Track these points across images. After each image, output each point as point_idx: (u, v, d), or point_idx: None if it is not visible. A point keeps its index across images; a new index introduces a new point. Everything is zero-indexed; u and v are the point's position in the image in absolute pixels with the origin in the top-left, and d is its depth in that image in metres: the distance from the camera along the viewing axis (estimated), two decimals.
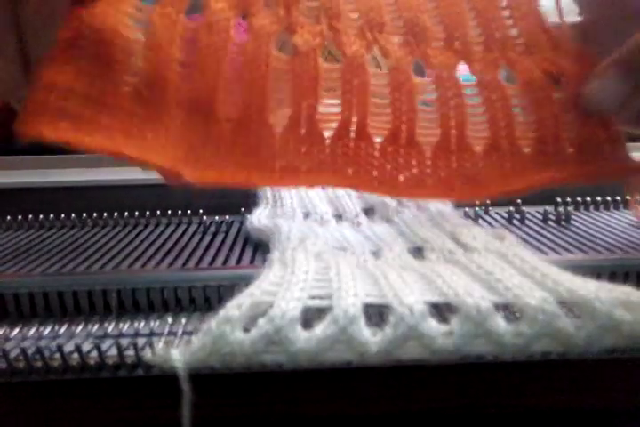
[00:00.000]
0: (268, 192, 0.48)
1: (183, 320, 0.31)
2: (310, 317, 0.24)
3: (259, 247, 0.38)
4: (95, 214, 0.46)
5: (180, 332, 0.30)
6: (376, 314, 0.25)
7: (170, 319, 0.31)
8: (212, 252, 0.39)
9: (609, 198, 0.49)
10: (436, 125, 0.33)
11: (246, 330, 0.24)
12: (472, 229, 0.31)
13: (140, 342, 0.28)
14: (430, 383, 0.29)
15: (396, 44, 0.34)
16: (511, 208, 0.47)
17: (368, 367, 0.25)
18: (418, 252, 0.32)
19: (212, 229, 0.45)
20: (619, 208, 0.48)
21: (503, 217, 0.47)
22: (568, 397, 0.30)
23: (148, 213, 0.47)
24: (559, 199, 0.49)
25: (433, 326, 0.24)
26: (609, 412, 0.31)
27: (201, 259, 0.37)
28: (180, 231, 0.44)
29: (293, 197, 0.47)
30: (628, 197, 0.46)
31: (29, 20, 0.34)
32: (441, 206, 0.42)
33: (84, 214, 0.46)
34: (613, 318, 0.24)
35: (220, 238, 0.42)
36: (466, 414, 0.30)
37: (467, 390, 0.29)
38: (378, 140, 0.33)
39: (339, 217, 0.44)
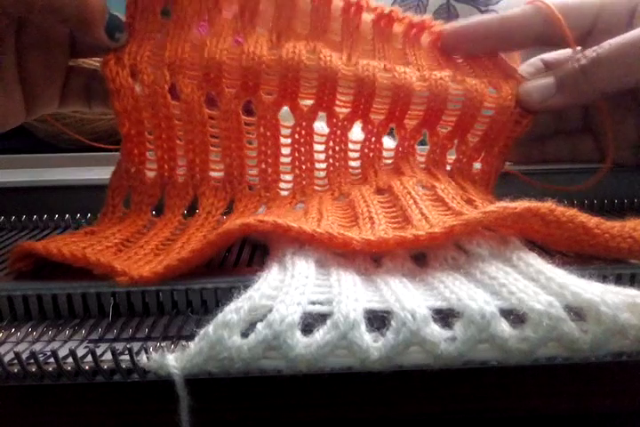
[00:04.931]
0: None
1: (179, 324, 0.31)
2: (310, 322, 0.24)
3: (257, 249, 0.37)
4: (89, 215, 0.45)
5: (176, 336, 0.29)
6: (378, 319, 0.25)
7: (166, 323, 0.31)
8: None
9: None
10: None
11: (244, 335, 0.24)
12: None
13: (136, 346, 0.28)
14: (432, 389, 0.29)
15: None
16: None
17: (369, 373, 0.24)
18: (420, 259, 0.31)
19: None
20: None
21: None
22: (573, 401, 0.29)
23: None
24: None
25: (435, 331, 0.24)
26: (615, 416, 0.30)
27: None
28: None
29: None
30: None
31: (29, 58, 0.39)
32: None
33: (78, 215, 0.45)
34: (619, 321, 0.23)
35: None
36: (469, 419, 0.30)
37: (470, 396, 0.29)
38: None
39: None
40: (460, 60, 0.45)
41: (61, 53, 0.41)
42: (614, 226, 0.30)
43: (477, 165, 0.45)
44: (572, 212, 0.30)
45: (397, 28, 0.44)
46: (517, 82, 0.44)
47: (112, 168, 0.41)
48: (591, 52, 0.41)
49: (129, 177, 0.40)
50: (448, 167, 0.45)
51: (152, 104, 0.39)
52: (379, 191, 0.40)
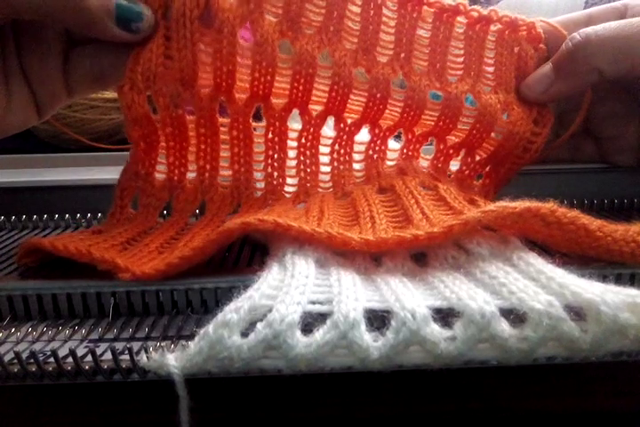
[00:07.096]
0: None
1: (179, 324, 0.30)
2: (310, 322, 0.24)
3: (257, 249, 0.37)
4: (90, 215, 0.45)
5: (176, 336, 0.29)
6: (378, 319, 0.25)
7: (166, 323, 0.31)
8: None
9: None
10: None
11: (244, 334, 0.24)
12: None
13: (136, 346, 0.28)
14: (432, 389, 0.29)
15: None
16: None
17: (369, 373, 0.24)
18: (420, 258, 0.31)
19: None
20: None
21: None
22: (573, 401, 0.29)
23: None
24: None
25: (435, 330, 0.23)
26: (615, 416, 0.30)
27: None
28: None
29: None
30: None
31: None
32: None
33: (78, 215, 0.45)
34: (619, 321, 0.23)
35: None
36: (470, 419, 0.30)
37: (470, 396, 0.29)
38: None
39: None
40: (488, 67, 0.43)
41: (58, 41, 0.37)
42: (617, 229, 0.30)
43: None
44: (574, 213, 0.29)
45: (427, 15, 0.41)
46: (530, 106, 0.43)
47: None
48: (587, 30, 0.40)
49: (138, 178, 0.40)
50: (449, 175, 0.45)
51: (169, 124, 0.39)
52: (381, 190, 0.40)
